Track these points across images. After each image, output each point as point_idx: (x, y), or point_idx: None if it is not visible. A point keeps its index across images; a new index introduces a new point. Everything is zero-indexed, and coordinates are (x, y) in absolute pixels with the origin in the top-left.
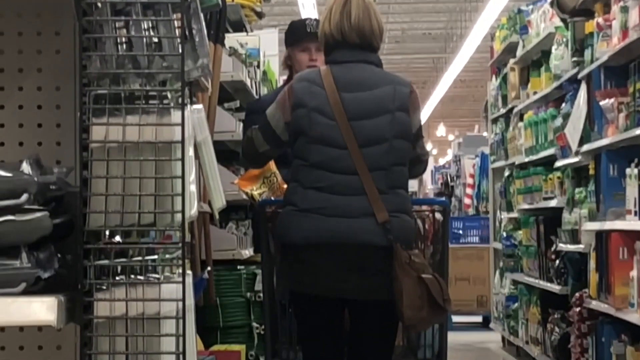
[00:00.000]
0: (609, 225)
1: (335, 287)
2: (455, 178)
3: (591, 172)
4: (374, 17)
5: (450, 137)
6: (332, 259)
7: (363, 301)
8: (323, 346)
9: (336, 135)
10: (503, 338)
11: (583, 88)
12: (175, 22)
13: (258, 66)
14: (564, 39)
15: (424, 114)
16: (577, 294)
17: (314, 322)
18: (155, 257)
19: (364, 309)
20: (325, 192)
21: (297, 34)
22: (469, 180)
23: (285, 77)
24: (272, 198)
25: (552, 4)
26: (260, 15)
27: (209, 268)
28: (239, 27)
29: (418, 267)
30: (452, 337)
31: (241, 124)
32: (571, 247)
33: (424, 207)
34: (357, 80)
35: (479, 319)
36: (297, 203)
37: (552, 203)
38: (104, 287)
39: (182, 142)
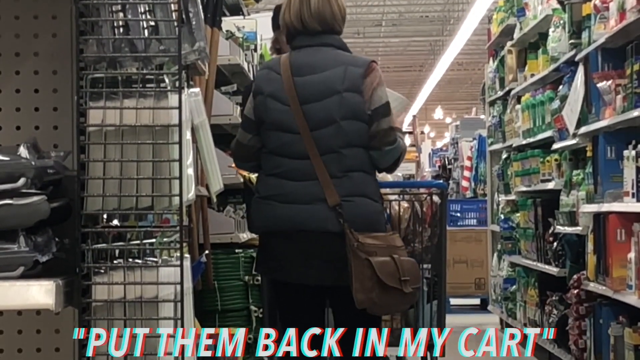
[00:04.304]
0: (606, 207)
1: (299, 273)
2: (452, 161)
3: (589, 154)
4: (333, 1)
5: (448, 120)
6: (292, 246)
7: (337, 287)
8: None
9: (289, 120)
10: (501, 320)
11: (580, 70)
12: (172, 6)
13: (255, 50)
14: (561, 21)
15: (421, 97)
16: (575, 276)
17: (293, 309)
18: (153, 240)
19: (339, 294)
20: (282, 179)
21: None
22: (467, 163)
23: None
24: None
25: None
26: None
27: (206, 252)
28: (236, 10)
29: (368, 249)
30: (450, 319)
31: (238, 108)
32: (569, 229)
33: (422, 190)
34: (310, 64)
35: (477, 301)
36: (259, 190)
37: (550, 185)
38: (102, 271)
39: (180, 125)
